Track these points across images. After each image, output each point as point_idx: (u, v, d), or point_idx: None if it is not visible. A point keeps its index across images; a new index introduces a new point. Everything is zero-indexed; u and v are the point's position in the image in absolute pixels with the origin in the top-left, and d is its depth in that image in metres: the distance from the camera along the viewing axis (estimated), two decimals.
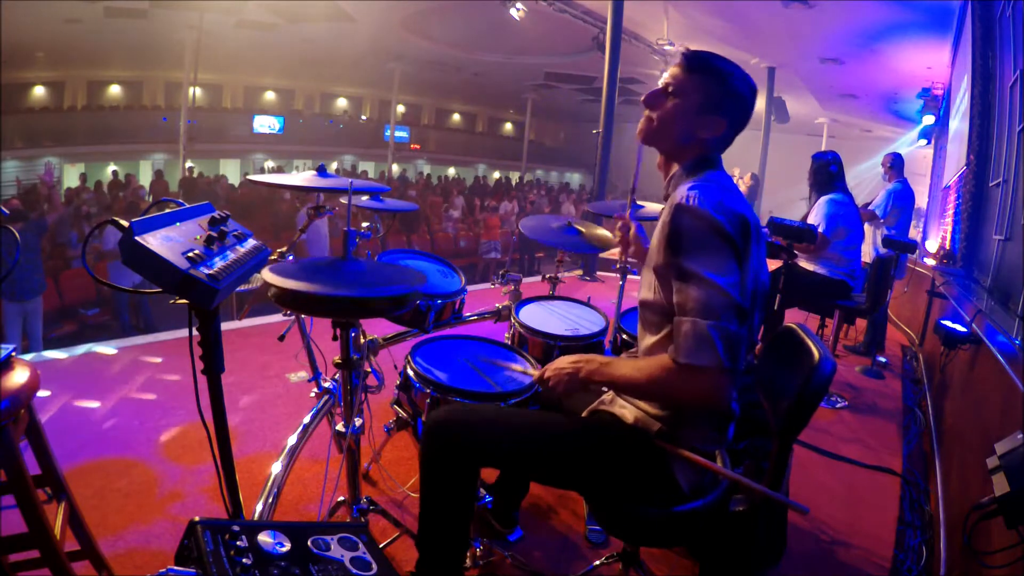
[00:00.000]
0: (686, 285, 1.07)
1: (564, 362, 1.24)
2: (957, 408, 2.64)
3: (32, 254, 4.50)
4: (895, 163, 4.33)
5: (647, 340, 1.22)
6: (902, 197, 4.24)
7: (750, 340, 1.18)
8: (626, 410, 1.24)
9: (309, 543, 0.93)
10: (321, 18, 10.49)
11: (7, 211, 1.25)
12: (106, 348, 3.34)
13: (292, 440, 1.76)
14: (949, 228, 5.41)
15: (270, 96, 16.51)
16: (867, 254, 4.03)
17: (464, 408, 1.31)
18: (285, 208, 9.45)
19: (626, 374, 1.15)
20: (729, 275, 1.05)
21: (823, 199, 3.37)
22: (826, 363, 1.11)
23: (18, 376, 1.20)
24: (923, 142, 8.35)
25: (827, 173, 3.43)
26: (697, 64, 1.19)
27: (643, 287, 1.23)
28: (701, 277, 1.05)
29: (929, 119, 7.90)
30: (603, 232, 2.32)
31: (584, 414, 1.34)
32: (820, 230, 3.28)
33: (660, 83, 1.24)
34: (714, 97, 1.18)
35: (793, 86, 11.19)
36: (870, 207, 4.37)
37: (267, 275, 1.17)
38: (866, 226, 4.40)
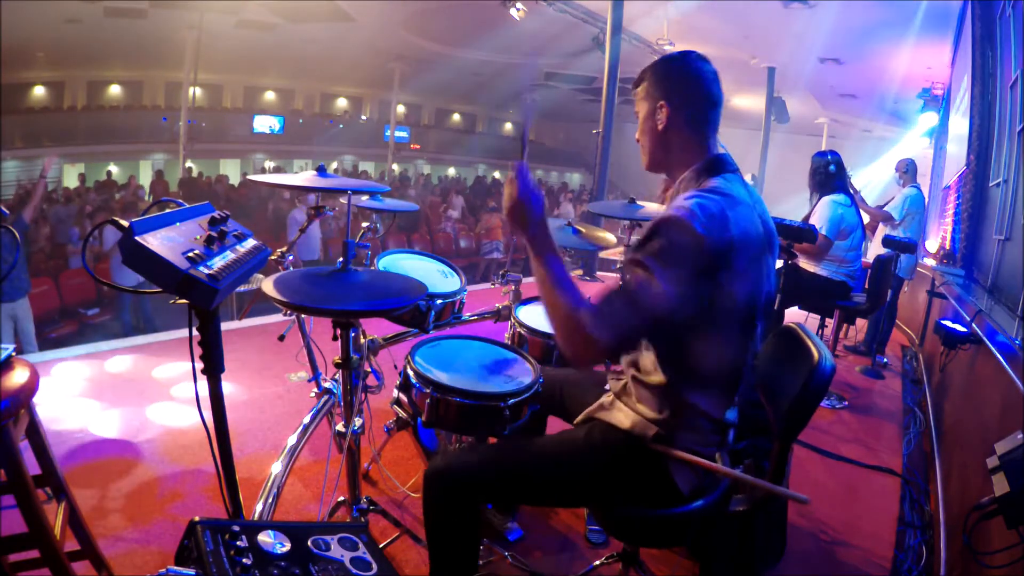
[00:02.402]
0: (636, 268, 1.05)
1: (513, 199, 1.14)
2: (957, 408, 2.64)
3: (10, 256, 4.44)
4: (909, 168, 4.37)
5: (646, 355, 1.21)
6: (918, 202, 4.26)
7: (755, 347, 1.18)
8: (623, 414, 1.23)
9: (309, 543, 0.93)
10: (321, 18, 10.49)
11: (7, 211, 1.25)
12: (106, 348, 3.34)
13: (292, 440, 1.76)
14: (949, 228, 5.40)
15: (270, 96, 16.50)
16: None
17: (460, 453, 1.34)
18: (284, 208, 9.45)
19: (550, 287, 1.10)
20: (678, 286, 1.02)
21: (825, 200, 3.36)
22: (826, 364, 1.11)
23: (18, 376, 1.20)
24: (928, 140, 8.36)
25: (826, 173, 3.42)
26: (637, 80, 1.26)
27: None
28: (651, 272, 1.02)
29: (934, 118, 7.89)
30: (603, 232, 2.32)
31: (579, 419, 1.34)
32: (823, 232, 3.26)
33: None
34: (652, 93, 1.22)
35: (793, 86, 11.18)
36: (886, 208, 4.39)
37: (268, 288, 1.18)
38: (880, 226, 4.41)
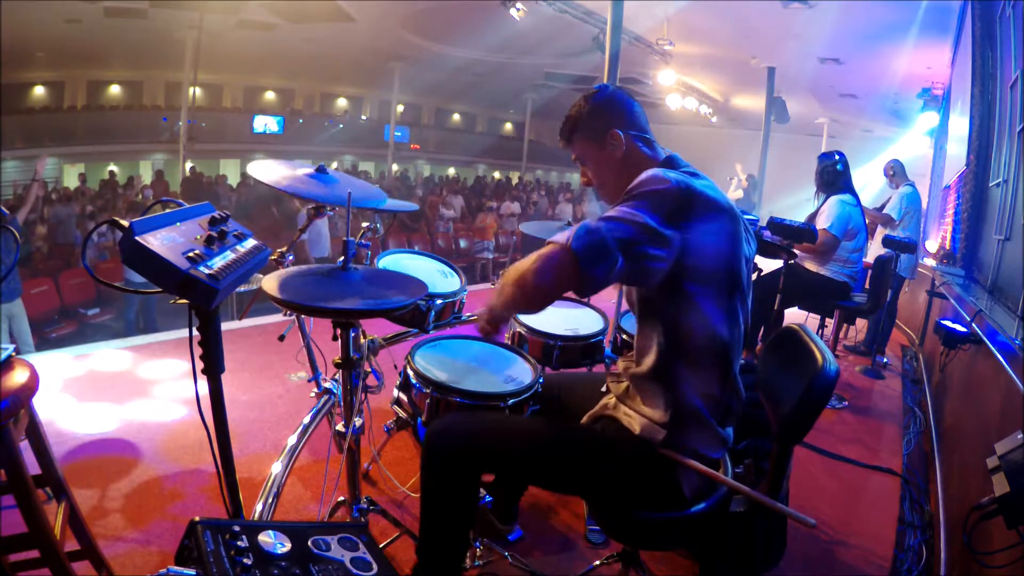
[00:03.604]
0: (612, 210, 1.09)
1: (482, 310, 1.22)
2: (957, 408, 2.64)
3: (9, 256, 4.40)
4: (897, 168, 4.38)
5: (644, 357, 1.23)
6: (914, 199, 4.27)
7: (742, 324, 1.19)
8: (631, 418, 1.23)
9: (309, 543, 0.93)
10: (321, 18, 10.48)
11: (7, 211, 1.25)
12: (106, 348, 3.34)
13: (292, 440, 1.76)
14: (949, 228, 5.41)
15: (270, 96, 16.50)
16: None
17: (465, 416, 1.31)
18: (287, 208, 9.44)
19: (513, 272, 1.11)
20: (653, 217, 1.06)
21: (832, 199, 3.35)
22: (830, 368, 1.09)
23: (18, 376, 1.20)
24: (928, 140, 8.36)
25: (833, 172, 3.42)
26: (567, 131, 1.31)
27: None
28: (625, 207, 1.08)
29: (933, 117, 7.89)
30: None
31: (585, 419, 1.34)
32: (831, 231, 3.25)
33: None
34: (594, 130, 1.27)
35: (793, 86, 11.16)
36: (884, 210, 4.38)
37: (268, 286, 1.18)
38: (879, 228, 4.41)
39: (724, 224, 1.13)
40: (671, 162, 1.25)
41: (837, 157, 3.44)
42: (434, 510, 1.21)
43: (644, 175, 1.13)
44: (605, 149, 1.27)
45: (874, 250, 4.22)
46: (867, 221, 3.63)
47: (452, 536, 1.22)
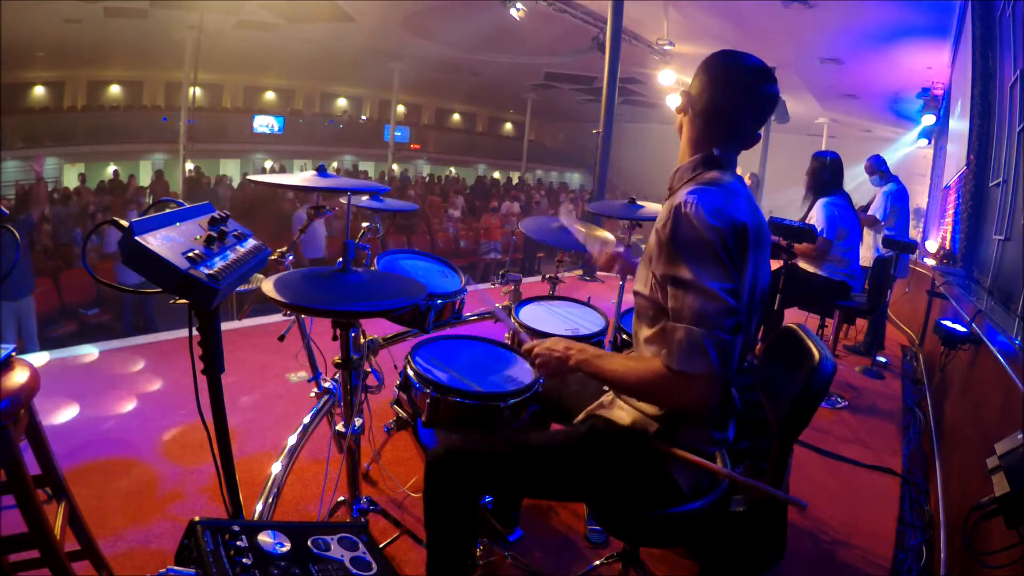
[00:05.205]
0: (681, 292, 1.07)
1: (558, 344, 1.25)
2: (957, 408, 2.64)
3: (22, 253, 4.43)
4: (880, 166, 4.36)
5: (643, 332, 1.22)
6: (899, 197, 4.26)
7: (748, 341, 1.18)
8: (624, 412, 1.24)
9: (309, 543, 0.93)
10: (321, 18, 10.48)
11: (7, 211, 1.25)
12: (106, 348, 3.34)
13: (292, 440, 1.76)
14: (949, 228, 5.41)
15: (270, 96, 16.51)
16: (867, 258, 4.03)
17: (461, 443, 1.31)
18: (285, 208, 9.45)
19: (617, 371, 1.15)
20: (724, 281, 1.06)
21: (820, 202, 3.38)
22: (826, 364, 1.11)
23: (18, 376, 1.20)
24: (924, 142, 8.35)
25: (821, 179, 3.44)
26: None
27: (638, 279, 1.24)
28: (696, 285, 1.05)
29: (930, 119, 7.89)
30: (603, 232, 2.32)
31: (580, 417, 1.34)
32: (822, 234, 3.27)
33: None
34: (691, 98, 1.24)
35: (793, 86, 11.16)
36: (869, 212, 4.38)
37: (267, 289, 1.18)
38: (866, 230, 4.41)
39: (754, 250, 1.14)
40: (714, 160, 1.20)
41: (828, 162, 3.44)
42: (440, 534, 1.24)
43: (680, 211, 1.08)
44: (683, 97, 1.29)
45: (863, 254, 4.21)
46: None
47: (460, 555, 1.26)
